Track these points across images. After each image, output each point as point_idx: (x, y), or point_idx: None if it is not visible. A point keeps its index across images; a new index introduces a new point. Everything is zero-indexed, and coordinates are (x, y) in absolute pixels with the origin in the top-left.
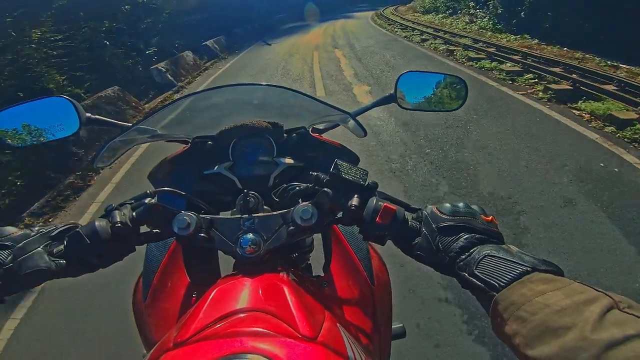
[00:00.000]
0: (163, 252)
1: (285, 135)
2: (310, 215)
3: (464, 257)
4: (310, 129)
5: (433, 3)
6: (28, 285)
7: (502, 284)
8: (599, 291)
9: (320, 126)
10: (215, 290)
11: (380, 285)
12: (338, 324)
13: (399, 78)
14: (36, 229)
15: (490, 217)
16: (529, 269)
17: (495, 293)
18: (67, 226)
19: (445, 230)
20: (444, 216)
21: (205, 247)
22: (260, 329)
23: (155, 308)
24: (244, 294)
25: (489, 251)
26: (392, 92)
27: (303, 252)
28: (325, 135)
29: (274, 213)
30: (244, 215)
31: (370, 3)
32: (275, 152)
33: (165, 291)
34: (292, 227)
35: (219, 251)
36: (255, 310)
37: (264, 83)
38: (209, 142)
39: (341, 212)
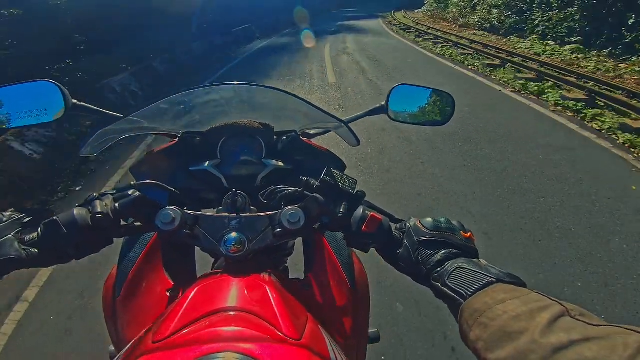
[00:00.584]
0: (141, 246)
1: (275, 137)
2: (298, 219)
3: (439, 269)
4: (300, 134)
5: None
6: None
7: (469, 293)
8: (553, 300)
9: (311, 131)
10: (197, 288)
11: (361, 290)
12: (320, 326)
13: (391, 90)
14: (7, 214)
15: (469, 234)
16: (493, 279)
17: (462, 301)
18: (38, 213)
19: (425, 244)
20: (425, 230)
21: (188, 243)
22: (244, 329)
23: (128, 304)
24: (227, 293)
25: (461, 264)
26: (383, 103)
27: (283, 254)
28: (314, 141)
29: (262, 214)
30: (231, 214)
31: (360, 7)
32: (264, 153)
33: (140, 287)
34: (279, 230)
35: (195, 249)
36: (238, 310)
37: (260, 84)
38: (198, 139)
39: (328, 218)
